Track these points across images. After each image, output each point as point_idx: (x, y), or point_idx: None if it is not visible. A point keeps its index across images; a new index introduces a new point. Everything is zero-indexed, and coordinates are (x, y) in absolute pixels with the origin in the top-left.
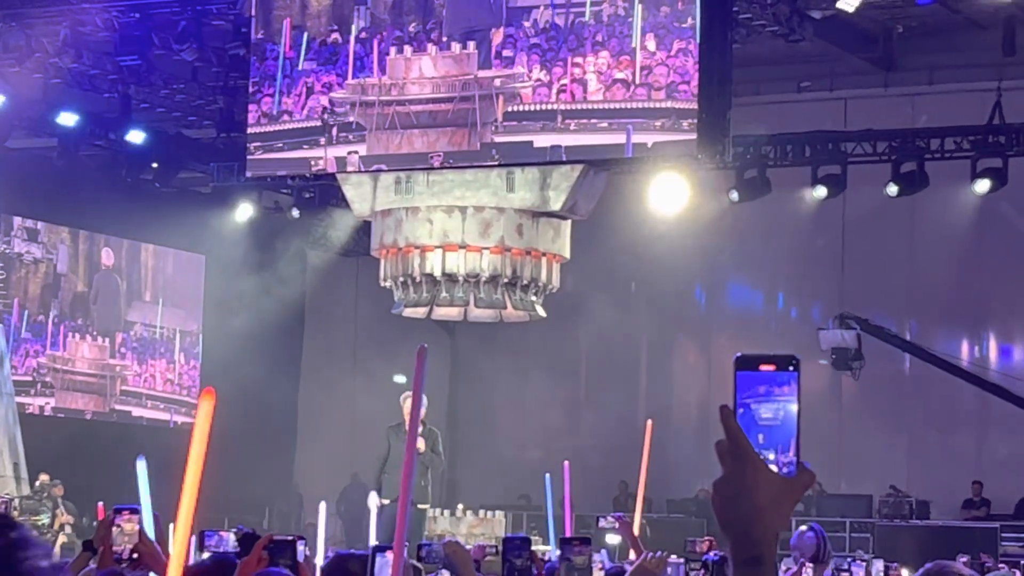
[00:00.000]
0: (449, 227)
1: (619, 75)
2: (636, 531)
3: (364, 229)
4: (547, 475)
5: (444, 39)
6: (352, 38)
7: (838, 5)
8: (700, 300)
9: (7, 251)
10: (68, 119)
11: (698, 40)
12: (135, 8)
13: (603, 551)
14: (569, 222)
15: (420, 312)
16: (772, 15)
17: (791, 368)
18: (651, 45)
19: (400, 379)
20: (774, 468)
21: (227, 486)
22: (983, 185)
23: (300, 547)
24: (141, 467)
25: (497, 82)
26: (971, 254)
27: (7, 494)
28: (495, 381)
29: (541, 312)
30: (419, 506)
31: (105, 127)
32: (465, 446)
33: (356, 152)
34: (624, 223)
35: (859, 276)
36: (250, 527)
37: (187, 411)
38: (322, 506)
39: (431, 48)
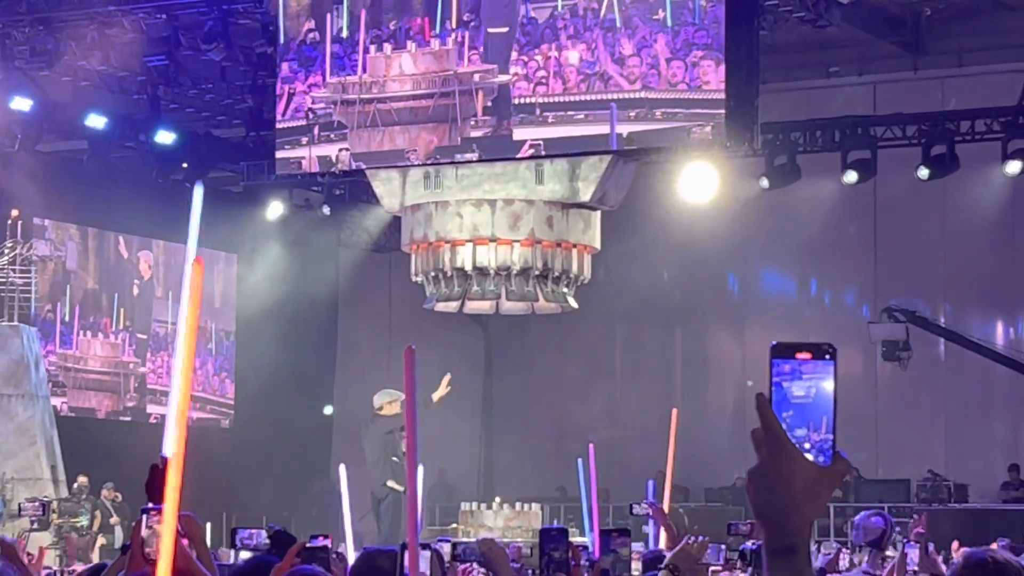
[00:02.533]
0: (479, 220)
1: (593, 68)
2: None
3: (396, 225)
4: (579, 460)
5: (429, 38)
6: (329, 37)
7: None
8: (733, 288)
9: (46, 255)
10: (97, 121)
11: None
12: (161, 9)
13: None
14: (599, 213)
15: (452, 306)
16: (799, 1)
17: (827, 356)
18: (625, 39)
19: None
20: (807, 446)
21: (263, 484)
22: (1014, 166)
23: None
24: (197, 194)
25: (476, 77)
26: (1004, 236)
27: (46, 496)
28: (530, 374)
29: (573, 303)
30: (398, 488)
31: (135, 128)
32: (501, 439)
33: (347, 149)
34: (655, 212)
35: (892, 261)
36: (284, 525)
37: (222, 410)
38: (342, 469)
39: (410, 45)
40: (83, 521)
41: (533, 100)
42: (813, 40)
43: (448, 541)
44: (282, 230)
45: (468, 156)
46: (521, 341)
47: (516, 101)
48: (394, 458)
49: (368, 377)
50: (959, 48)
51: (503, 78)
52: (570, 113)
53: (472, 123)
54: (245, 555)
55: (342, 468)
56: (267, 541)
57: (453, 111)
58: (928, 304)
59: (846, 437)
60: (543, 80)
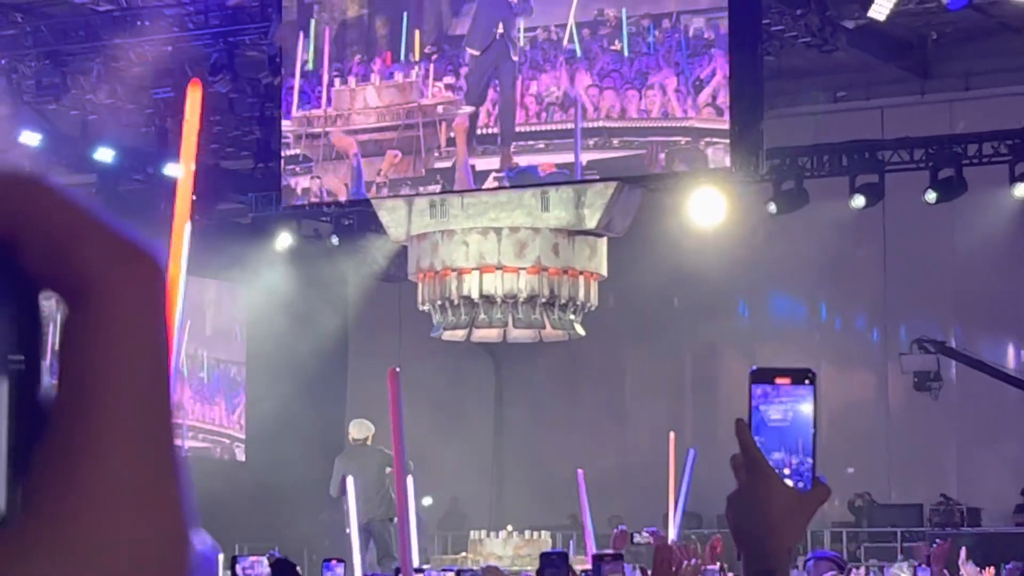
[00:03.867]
0: (485, 249)
1: (553, 97)
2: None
3: (404, 254)
4: (578, 470)
5: (393, 70)
6: (297, 71)
7: (869, 14)
8: (743, 313)
9: None
10: (106, 154)
11: (728, 53)
12: (167, 42)
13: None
14: (605, 240)
15: (459, 335)
16: (804, 26)
17: (806, 382)
18: (583, 69)
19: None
20: (786, 471)
21: (272, 515)
22: (1022, 189)
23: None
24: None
25: (440, 109)
26: (1013, 258)
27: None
28: (540, 401)
29: (580, 331)
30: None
31: (143, 161)
32: (511, 467)
33: (318, 178)
34: (663, 239)
35: (901, 284)
36: (294, 556)
37: (231, 444)
38: (349, 481)
39: (375, 78)
40: None
41: (495, 131)
42: (820, 65)
43: (452, 570)
44: (291, 261)
45: (432, 188)
46: (530, 369)
47: (479, 132)
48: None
49: (379, 406)
50: (966, 71)
51: (466, 109)
52: (531, 143)
53: (436, 155)
54: None
55: (349, 480)
56: (267, 570)
57: (417, 143)
58: (938, 326)
59: (857, 461)
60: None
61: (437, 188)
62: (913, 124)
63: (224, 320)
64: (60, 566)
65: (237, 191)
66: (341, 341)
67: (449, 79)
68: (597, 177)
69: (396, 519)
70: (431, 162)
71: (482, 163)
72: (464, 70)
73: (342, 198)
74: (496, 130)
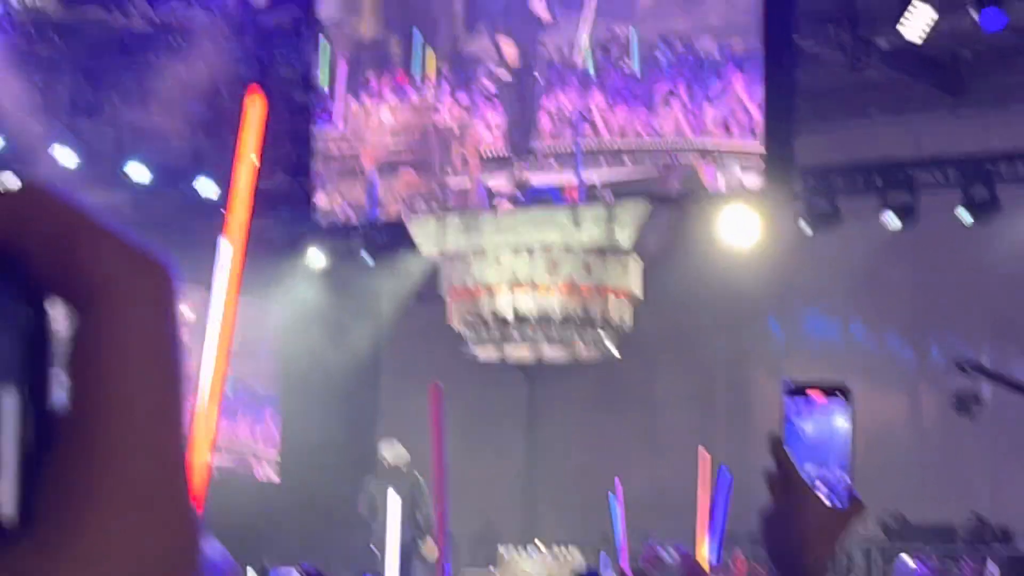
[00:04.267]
0: (517, 266)
1: (565, 116)
2: (704, 563)
3: (437, 272)
4: (610, 494)
5: (407, 89)
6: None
7: (903, 32)
8: (775, 332)
9: None
10: (139, 172)
11: (763, 72)
12: (201, 59)
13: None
14: (638, 258)
15: (492, 353)
16: (837, 45)
17: (841, 396)
18: (596, 88)
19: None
20: (819, 484)
21: (307, 535)
22: None
23: None
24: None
25: (454, 127)
26: None
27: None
28: (573, 419)
29: (613, 349)
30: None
31: (176, 178)
32: (544, 485)
33: (339, 195)
34: (695, 257)
35: (934, 303)
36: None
37: (268, 461)
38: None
39: (389, 97)
40: None
41: (509, 150)
42: (852, 83)
43: None
44: (324, 278)
45: (446, 206)
46: (563, 388)
47: (492, 151)
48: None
49: (412, 423)
50: (999, 89)
51: (479, 128)
52: (541, 160)
53: (450, 172)
54: None
55: (391, 491)
56: None
57: (431, 161)
58: (971, 345)
59: (889, 479)
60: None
61: (451, 206)
62: (946, 143)
63: (249, 337)
64: (78, 571)
65: (269, 208)
66: (373, 359)
67: (463, 97)
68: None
69: (422, 543)
70: (445, 180)
71: (495, 182)
72: (476, 86)
73: (355, 218)
74: (509, 150)
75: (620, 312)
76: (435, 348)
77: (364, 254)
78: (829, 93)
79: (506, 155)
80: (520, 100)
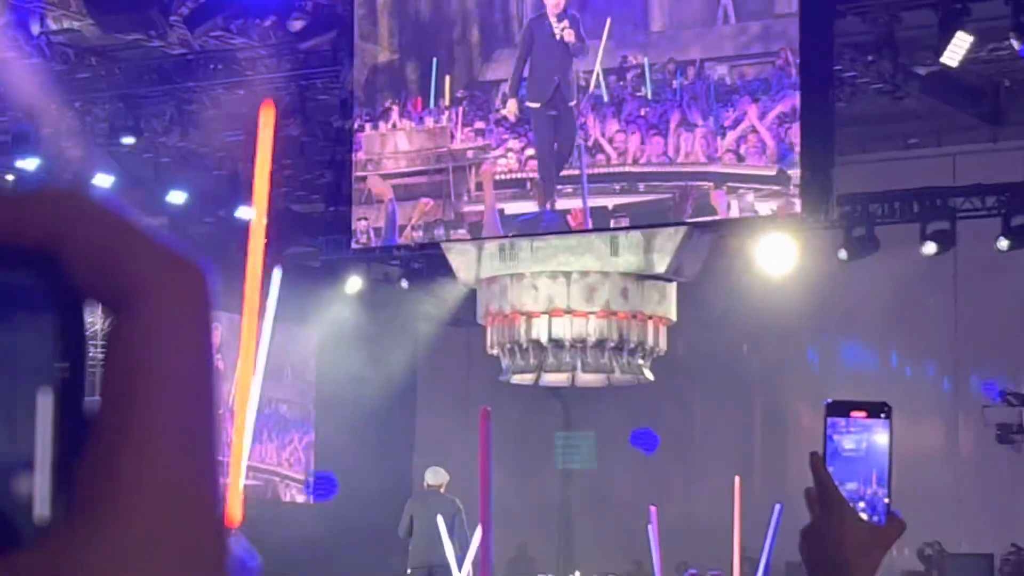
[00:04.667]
0: (554, 292)
1: (579, 142)
2: None
3: (473, 298)
4: (648, 526)
5: (423, 115)
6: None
7: (942, 60)
8: (812, 360)
9: None
10: (178, 197)
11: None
12: (239, 85)
13: None
14: (674, 284)
15: (528, 379)
16: (876, 73)
17: (883, 416)
18: (610, 114)
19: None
20: (860, 505)
21: (345, 561)
22: None
23: None
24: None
25: (470, 154)
26: None
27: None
28: (608, 446)
29: (649, 375)
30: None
31: (214, 204)
32: (579, 512)
33: (364, 219)
34: (732, 284)
35: (973, 332)
36: None
37: (280, 482)
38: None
39: (405, 123)
40: None
41: (522, 176)
42: (891, 111)
43: None
44: (361, 304)
45: (461, 232)
46: (598, 413)
47: (507, 177)
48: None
49: (447, 450)
50: None
51: (495, 155)
52: (557, 187)
53: (465, 199)
54: None
55: (440, 519)
56: None
57: (447, 187)
58: (1010, 374)
59: (927, 509)
60: (533, 156)
61: (466, 233)
62: (985, 171)
63: (292, 363)
64: (110, 567)
65: (307, 234)
66: (410, 384)
67: (480, 124)
68: (626, 223)
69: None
70: (461, 207)
71: (513, 207)
72: (493, 113)
73: (375, 243)
74: (527, 175)
75: (656, 338)
76: (471, 373)
77: (402, 280)
78: (868, 121)
79: (521, 179)
80: (555, 127)
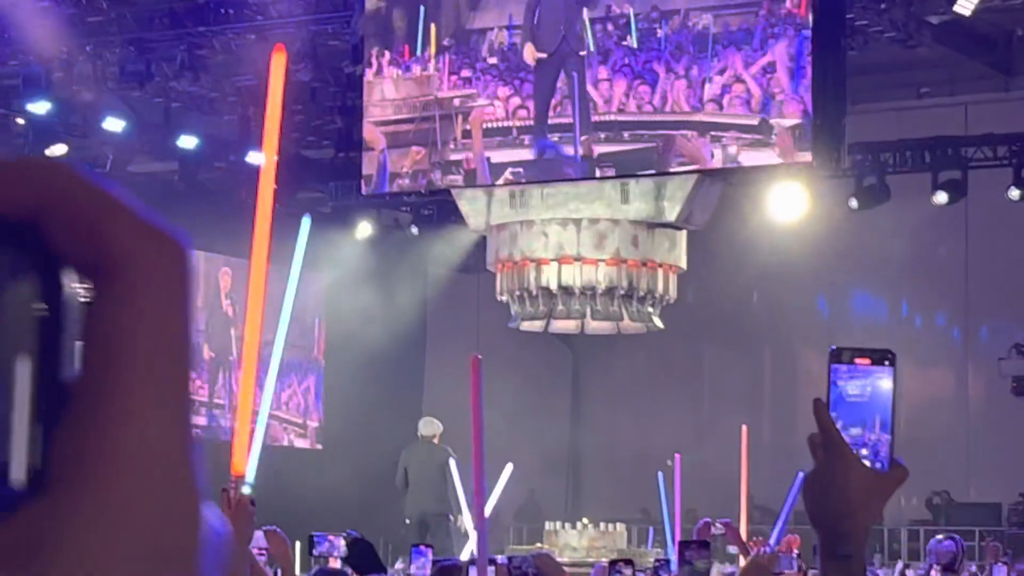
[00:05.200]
0: (564, 240)
1: (566, 92)
2: (744, 536)
3: (483, 244)
4: (660, 474)
5: (407, 61)
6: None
7: (955, 9)
8: (822, 309)
9: None
10: (188, 142)
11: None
12: (251, 30)
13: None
14: (685, 233)
15: (537, 325)
16: (889, 21)
17: (886, 363)
18: (596, 62)
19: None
20: (864, 452)
21: (352, 505)
22: None
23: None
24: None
25: (456, 102)
26: None
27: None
28: (617, 393)
29: (658, 323)
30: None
31: (225, 149)
32: (588, 459)
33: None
34: (742, 233)
35: (984, 282)
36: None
37: (304, 433)
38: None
39: (393, 71)
40: None
41: (509, 124)
42: (903, 60)
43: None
44: (371, 250)
45: (451, 179)
46: (608, 361)
47: (493, 125)
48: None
49: (456, 395)
50: None
51: (482, 103)
52: (545, 135)
53: (452, 147)
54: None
55: (452, 462)
56: (344, 550)
57: (433, 135)
58: (1020, 325)
59: (936, 458)
60: (523, 104)
61: (458, 180)
62: (997, 121)
63: (301, 308)
64: (87, 534)
65: (318, 180)
66: (419, 330)
67: (466, 72)
68: (612, 172)
69: (452, 516)
70: (447, 154)
71: (498, 156)
72: (480, 62)
73: (364, 191)
74: (514, 123)
75: (666, 285)
76: (480, 319)
77: (412, 227)
78: (881, 69)
79: (507, 127)
80: (557, 77)
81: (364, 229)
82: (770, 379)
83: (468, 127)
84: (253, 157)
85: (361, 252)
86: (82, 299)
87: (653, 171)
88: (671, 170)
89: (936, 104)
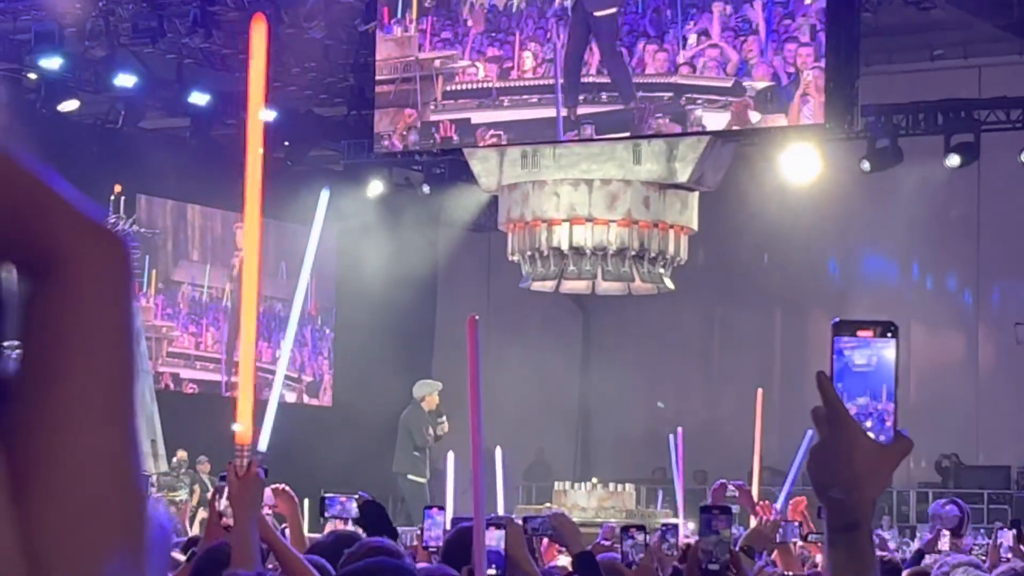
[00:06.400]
0: (576, 200)
1: (549, 56)
2: (756, 498)
3: (494, 204)
4: (670, 436)
5: (391, 25)
6: None
7: None
8: (833, 271)
9: (146, 232)
10: (200, 99)
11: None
12: None
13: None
14: (697, 194)
15: (548, 286)
16: None
17: (889, 335)
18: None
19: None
20: (868, 423)
21: (361, 465)
22: None
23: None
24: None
25: (437, 63)
26: None
27: (146, 470)
28: (628, 354)
29: (669, 284)
30: (417, 479)
31: (236, 106)
32: (599, 419)
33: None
34: (754, 194)
35: (995, 244)
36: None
37: (295, 388)
38: (450, 456)
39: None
40: (182, 495)
41: (490, 84)
42: (917, 22)
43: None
44: (382, 209)
45: (437, 140)
46: (618, 321)
47: (472, 86)
48: (415, 452)
49: (466, 356)
50: None
51: (462, 63)
52: (524, 97)
53: (432, 108)
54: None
55: (450, 456)
56: (356, 511)
57: (414, 96)
58: None
59: (945, 422)
60: (502, 66)
61: (437, 141)
62: (1010, 84)
63: (273, 258)
64: (33, 538)
65: (330, 138)
66: (430, 289)
67: (447, 35)
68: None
69: (412, 477)
70: (427, 115)
71: (479, 116)
72: (462, 28)
73: (376, 149)
74: (496, 84)
75: (677, 247)
76: (491, 279)
77: (423, 186)
78: (894, 31)
79: (487, 88)
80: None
81: (376, 187)
82: (780, 340)
83: (447, 88)
84: (266, 114)
85: (373, 210)
86: (19, 293)
87: (629, 134)
88: (647, 133)
89: (949, 66)
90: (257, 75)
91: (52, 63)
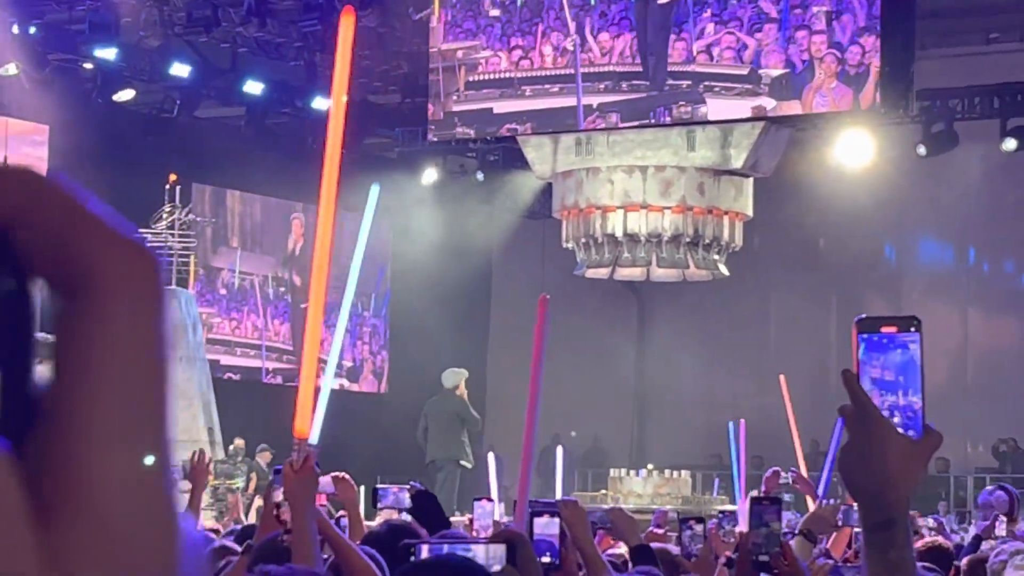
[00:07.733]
0: (630, 187)
1: (567, 45)
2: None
3: (549, 191)
4: (730, 424)
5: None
6: None
7: None
8: (890, 256)
9: (202, 220)
10: (255, 87)
11: None
12: None
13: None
14: (751, 180)
15: (602, 273)
16: None
17: (912, 329)
18: (595, 16)
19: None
20: (896, 419)
21: (413, 449)
22: None
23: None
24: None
25: (459, 54)
26: None
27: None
28: (683, 340)
29: (724, 271)
30: (461, 463)
31: (291, 95)
32: (653, 406)
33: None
34: (809, 180)
35: None
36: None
37: (372, 381)
38: (491, 457)
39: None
40: (239, 483)
41: (512, 75)
42: (973, 5)
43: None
44: (437, 196)
45: (461, 131)
46: (673, 308)
47: (494, 76)
48: (463, 438)
49: (522, 344)
50: None
51: (485, 54)
52: (546, 87)
53: (455, 98)
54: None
55: (491, 456)
56: (408, 501)
57: (436, 86)
58: None
59: (998, 406)
60: (527, 56)
61: (460, 133)
62: None
63: (368, 253)
64: (65, 559)
65: (384, 126)
66: (484, 277)
67: (469, 25)
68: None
69: (463, 463)
70: (449, 106)
71: (502, 106)
72: (484, 20)
73: (431, 136)
74: (518, 74)
75: (732, 233)
76: (546, 266)
77: (478, 173)
78: (950, 14)
79: (508, 79)
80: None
81: (430, 175)
82: (836, 327)
83: (470, 78)
84: (319, 103)
85: (427, 198)
86: (53, 312)
87: (654, 121)
88: (668, 122)
89: (1006, 49)
90: (343, 67)
91: (107, 53)
